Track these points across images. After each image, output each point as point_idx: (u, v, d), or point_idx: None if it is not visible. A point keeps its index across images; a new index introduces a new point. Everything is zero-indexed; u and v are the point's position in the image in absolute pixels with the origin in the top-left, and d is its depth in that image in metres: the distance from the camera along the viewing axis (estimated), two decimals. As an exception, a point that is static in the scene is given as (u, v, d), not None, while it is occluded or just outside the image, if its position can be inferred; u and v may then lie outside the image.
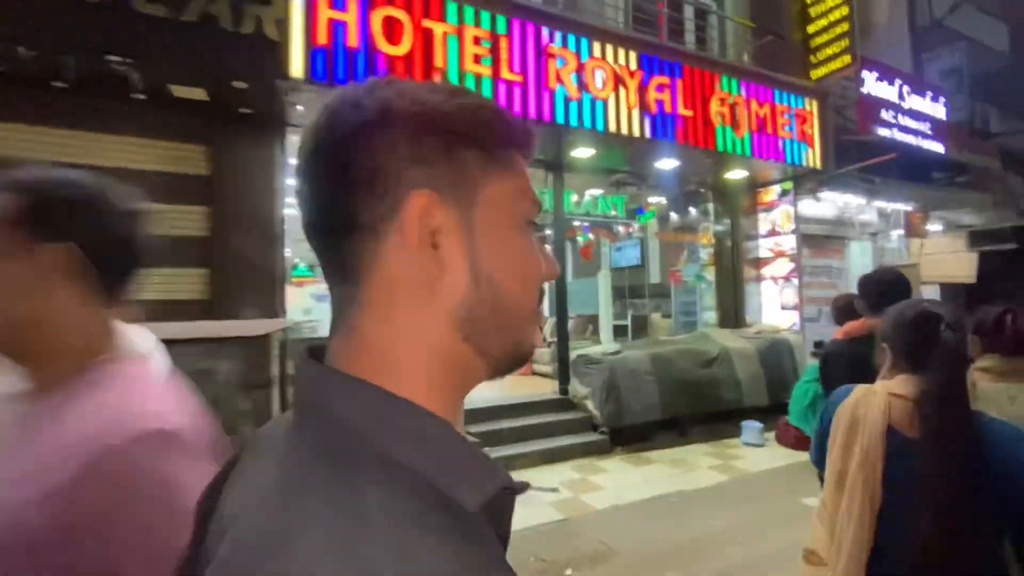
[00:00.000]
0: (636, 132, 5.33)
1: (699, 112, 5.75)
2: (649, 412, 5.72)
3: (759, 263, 7.82)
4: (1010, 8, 10.24)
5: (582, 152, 5.80)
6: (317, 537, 0.28)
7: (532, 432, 5.57)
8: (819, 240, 8.64)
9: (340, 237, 0.38)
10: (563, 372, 6.20)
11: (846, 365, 2.15)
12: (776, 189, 7.51)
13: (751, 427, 5.85)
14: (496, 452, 5.19)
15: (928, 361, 1.15)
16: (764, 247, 7.75)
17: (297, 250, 17.02)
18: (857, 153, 6.88)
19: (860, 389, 1.28)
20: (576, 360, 6.09)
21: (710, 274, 7.91)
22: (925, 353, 1.16)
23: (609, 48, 5.21)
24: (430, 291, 0.38)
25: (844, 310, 2.69)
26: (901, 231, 8.82)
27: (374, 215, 0.37)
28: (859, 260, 9.50)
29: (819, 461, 1.42)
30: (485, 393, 6.06)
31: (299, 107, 4.24)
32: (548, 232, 6.80)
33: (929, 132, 7.59)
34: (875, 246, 9.51)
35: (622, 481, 4.67)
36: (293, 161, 6.04)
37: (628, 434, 5.68)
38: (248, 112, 4.15)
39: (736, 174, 6.95)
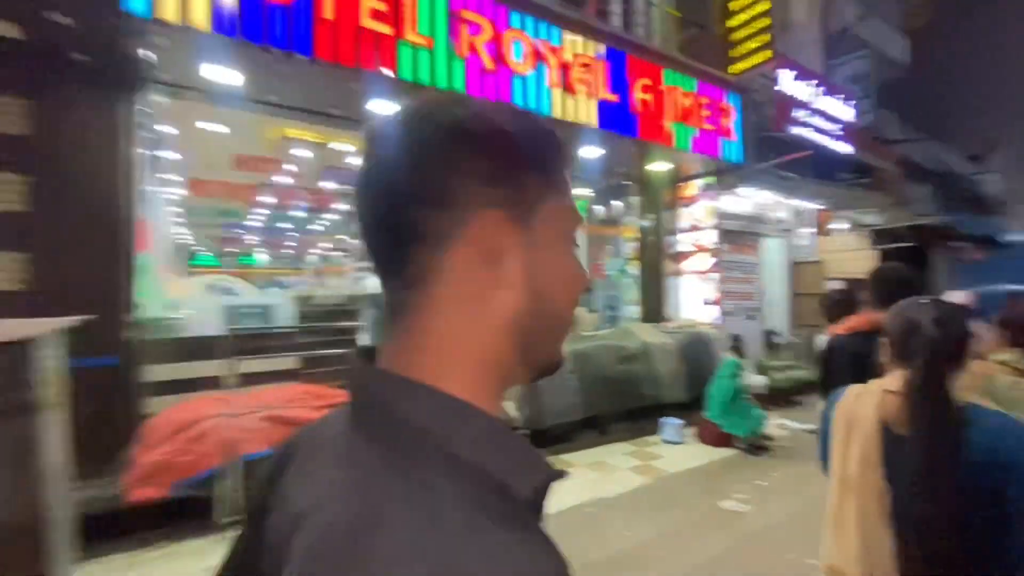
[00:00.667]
0: (557, 113, 4.97)
1: (623, 97, 5.48)
2: (571, 411, 5.44)
3: (680, 257, 7.79)
4: (910, 22, 10.99)
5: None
6: (399, 530, 0.31)
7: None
8: (736, 235, 8.78)
9: (404, 244, 0.40)
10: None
11: (849, 361, 2.08)
12: (698, 184, 7.48)
13: (670, 424, 5.73)
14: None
15: (912, 354, 1.14)
16: (686, 242, 7.73)
17: (200, 236, 15.50)
18: (773, 150, 6.95)
19: (855, 387, 1.28)
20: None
21: (634, 268, 7.79)
22: (911, 346, 1.15)
23: (530, 20, 4.80)
24: (488, 303, 0.40)
25: (840, 304, 2.63)
26: (812, 228, 9.15)
27: (440, 228, 0.39)
28: (773, 256, 9.84)
29: (825, 464, 1.41)
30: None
31: (153, 56, 3.49)
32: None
33: (839, 133, 7.85)
34: (788, 243, 9.87)
35: (537, 489, 4.32)
36: (159, 128, 5.03)
37: (549, 436, 5.36)
38: (83, 60, 3.35)
39: (659, 166, 6.81)
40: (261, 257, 19.67)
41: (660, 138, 5.84)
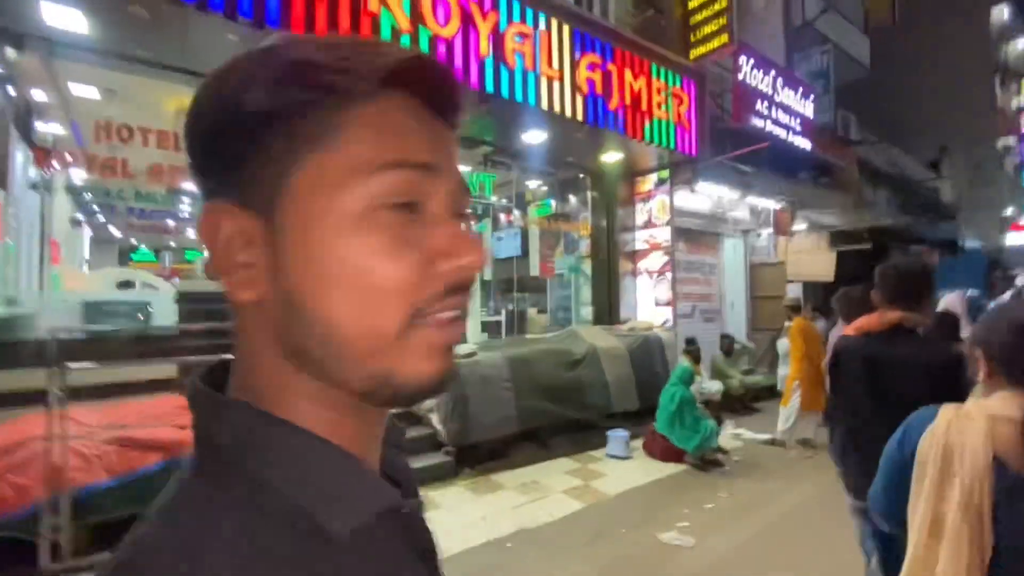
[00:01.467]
0: (489, 86, 4.38)
1: (566, 74, 4.93)
2: (504, 425, 4.85)
3: (635, 256, 7.32)
4: (871, 19, 10.88)
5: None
6: (160, 565, 0.27)
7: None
8: (694, 235, 8.39)
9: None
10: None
11: (861, 364, 1.88)
12: (653, 178, 7.02)
13: (616, 437, 5.21)
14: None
15: None
16: (640, 239, 7.26)
17: (122, 225, 14.23)
18: (731, 144, 6.53)
19: (949, 410, 1.07)
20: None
21: (587, 266, 7.28)
22: None
23: (456, -21, 4.20)
24: (252, 316, 0.33)
25: (859, 303, 2.48)
26: (771, 229, 8.84)
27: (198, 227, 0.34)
28: (732, 257, 9.51)
29: (889, 506, 1.18)
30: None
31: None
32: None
33: (798, 128, 7.52)
34: (746, 243, 9.56)
35: (456, 519, 3.71)
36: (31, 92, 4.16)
37: (479, 452, 4.76)
38: None
39: (611, 157, 6.31)
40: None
41: (609, 124, 5.32)
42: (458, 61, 4.17)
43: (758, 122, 6.71)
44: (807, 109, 7.85)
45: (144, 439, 3.27)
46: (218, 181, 0.33)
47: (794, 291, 9.91)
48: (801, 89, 7.68)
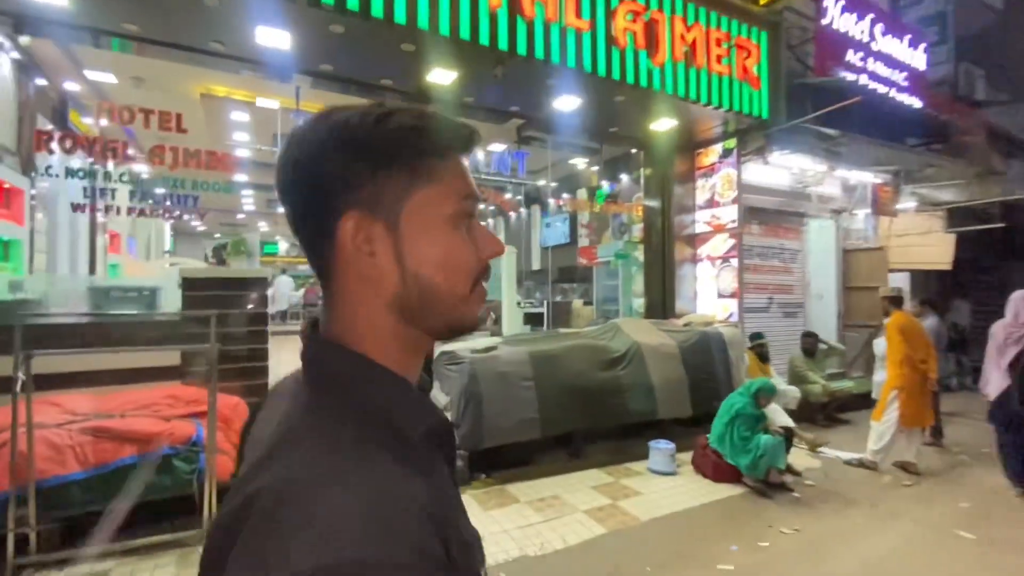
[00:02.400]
0: (503, 43, 3.81)
1: (599, 24, 4.23)
2: (524, 429, 4.29)
3: (695, 240, 6.41)
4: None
5: (440, 76, 4.25)
6: (303, 452, 0.41)
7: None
8: (770, 216, 7.26)
9: (311, 242, 0.51)
10: (421, 373, 4.72)
11: None
12: (717, 149, 6.08)
13: (660, 449, 4.47)
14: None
15: None
16: (701, 220, 6.35)
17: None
18: (812, 104, 5.45)
19: None
20: (439, 359, 4.62)
21: (640, 253, 6.49)
22: None
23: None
24: (371, 287, 0.50)
25: None
26: (867, 209, 7.48)
27: (324, 229, 0.49)
28: (819, 241, 8.20)
29: None
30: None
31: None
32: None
33: (904, 84, 6.19)
34: (838, 225, 8.20)
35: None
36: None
37: (498, 458, 4.25)
38: None
39: (663, 125, 5.48)
40: (280, 244, 19.41)
41: (654, 83, 4.54)
42: (463, 13, 3.64)
43: (849, 76, 5.55)
44: (916, 61, 6.47)
45: (121, 430, 3.10)
46: (352, 192, 0.48)
47: (899, 281, 8.42)
48: (908, 37, 6.32)
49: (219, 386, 4.06)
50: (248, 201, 11.98)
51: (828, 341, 7.01)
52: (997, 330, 4.23)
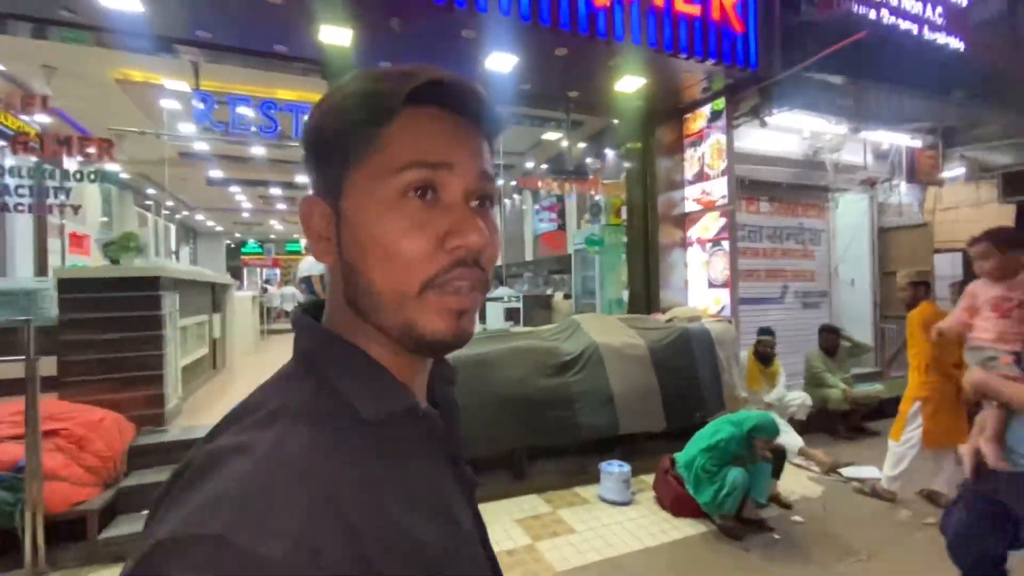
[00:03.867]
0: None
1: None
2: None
3: (685, 221, 5.51)
4: None
5: (333, 35, 3.62)
6: (244, 422, 0.39)
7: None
8: (783, 191, 6.23)
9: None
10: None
11: None
12: (705, 112, 5.15)
13: (611, 473, 3.70)
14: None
15: None
16: (691, 197, 5.43)
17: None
18: (820, 49, 4.43)
19: None
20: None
21: (616, 238, 5.66)
22: None
23: None
24: (335, 274, 0.46)
25: None
26: (902, 179, 6.29)
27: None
28: (850, 219, 7.05)
29: None
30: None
31: None
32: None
33: (939, 21, 5.04)
34: (872, 199, 7.01)
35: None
36: None
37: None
38: None
39: (629, 84, 4.62)
40: (302, 242, 19.50)
41: (598, 28, 3.74)
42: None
43: (861, 8, 4.49)
44: (959, -8, 5.28)
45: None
46: (311, 180, 0.47)
47: (947, 265, 7.13)
48: (946, -39, 5.15)
49: (99, 399, 3.64)
50: (243, 199, 11.83)
51: (852, 337, 5.94)
52: None
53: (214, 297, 6.01)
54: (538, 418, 3.92)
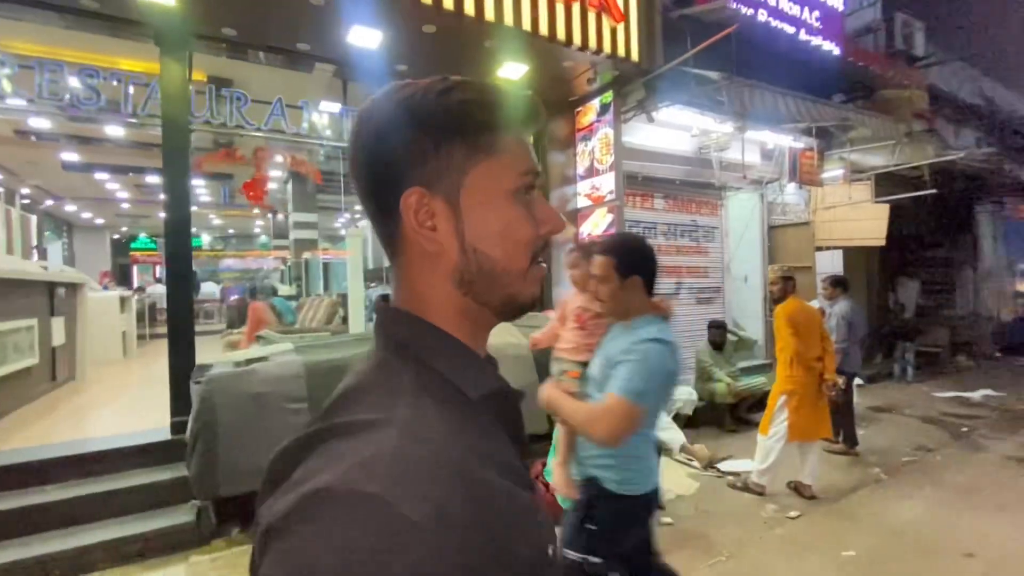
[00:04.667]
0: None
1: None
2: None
3: (578, 217, 5.39)
4: None
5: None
6: (370, 395, 0.44)
7: (105, 506, 3.14)
8: (677, 188, 6.29)
9: (377, 217, 0.52)
10: (176, 393, 3.63)
11: None
12: (595, 105, 5.04)
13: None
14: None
15: None
16: (582, 193, 5.32)
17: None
18: (698, 44, 4.41)
19: None
20: (194, 374, 3.53)
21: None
22: None
23: None
24: (434, 261, 0.50)
25: None
26: (785, 179, 6.53)
27: (389, 204, 0.49)
28: (742, 216, 7.28)
29: None
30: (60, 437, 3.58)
31: None
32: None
33: (817, 26, 5.20)
34: (763, 198, 7.27)
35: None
36: None
37: (234, 509, 3.19)
38: None
39: (511, 71, 4.40)
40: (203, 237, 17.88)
41: (462, 5, 3.46)
42: None
43: (742, 7, 4.52)
44: (834, 0, 5.48)
45: None
46: (408, 171, 0.48)
47: (830, 261, 7.55)
48: (821, -32, 5.34)
49: None
50: (116, 187, 10.60)
51: (738, 330, 6.09)
52: None
53: (53, 299, 5.21)
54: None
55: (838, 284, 4.74)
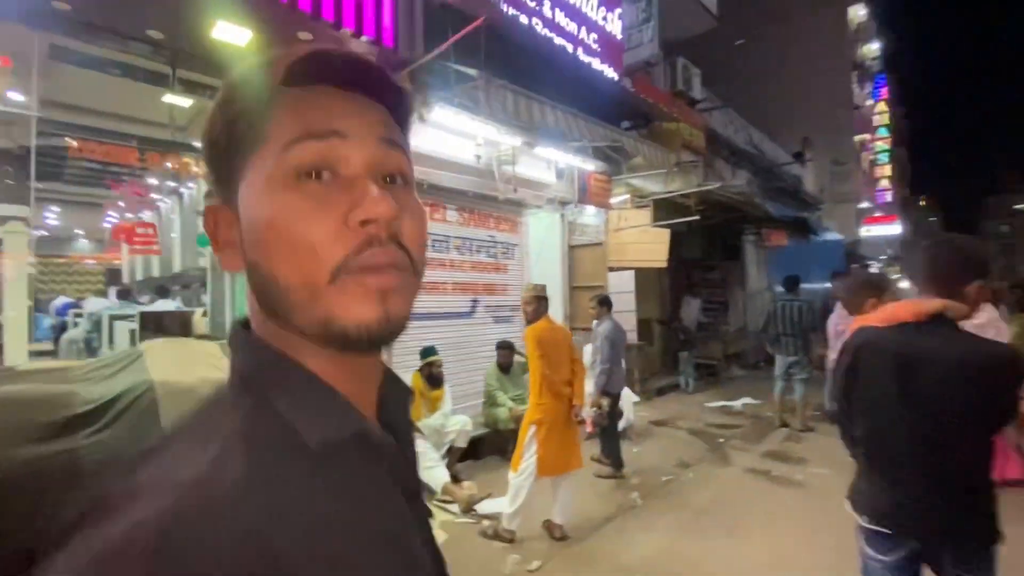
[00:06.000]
0: None
1: None
2: None
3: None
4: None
5: None
6: (167, 453, 0.35)
7: None
8: (472, 200, 5.92)
9: None
10: None
11: (892, 363, 1.52)
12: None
13: None
14: None
15: None
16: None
17: None
18: (464, 41, 4.00)
19: None
20: None
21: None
22: None
23: None
24: (246, 282, 0.42)
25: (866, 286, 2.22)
26: (574, 202, 6.59)
27: None
28: (543, 235, 7.23)
29: None
30: None
31: None
32: None
33: (595, 48, 5.21)
34: (564, 218, 7.31)
35: None
36: None
37: None
38: None
39: (228, 33, 3.52)
40: None
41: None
42: None
43: (508, 9, 4.25)
44: (612, 26, 5.59)
45: None
46: (212, 186, 0.43)
47: (625, 281, 7.86)
48: (599, -8, 5.40)
49: None
50: None
51: (522, 352, 5.87)
52: (830, 323, 4.18)
53: None
54: (12, 499, 2.46)
55: (604, 303, 4.67)
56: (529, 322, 3.52)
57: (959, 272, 1.48)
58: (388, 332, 0.39)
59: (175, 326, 5.12)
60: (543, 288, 3.68)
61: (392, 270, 0.39)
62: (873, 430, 1.60)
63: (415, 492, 0.45)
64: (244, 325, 0.44)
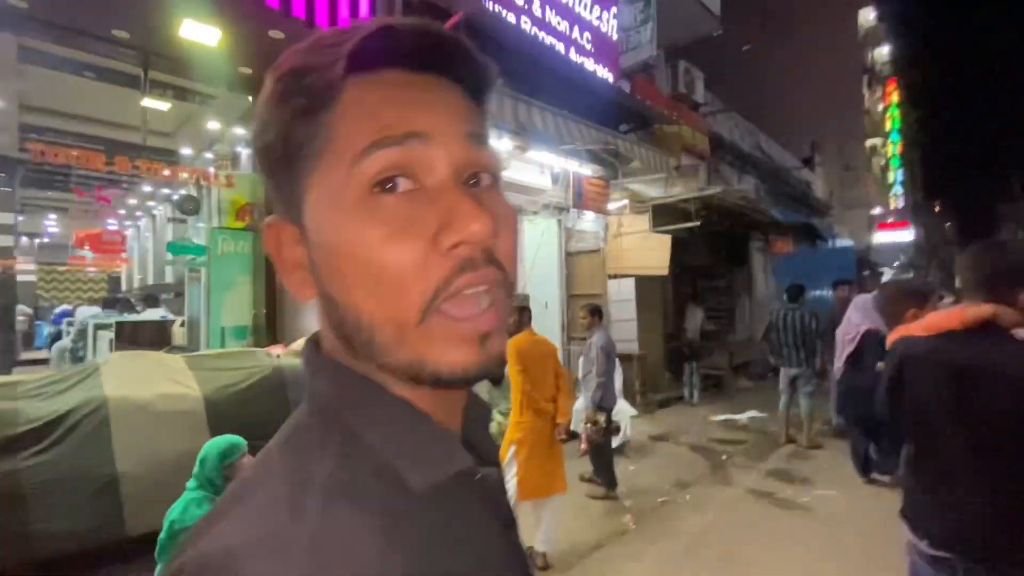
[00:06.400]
0: None
1: None
2: None
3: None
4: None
5: None
6: (251, 507, 0.30)
7: None
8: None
9: None
10: None
11: (939, 373, 1.40)
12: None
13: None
14: None
15: None
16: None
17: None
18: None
19: None
20: None
21: (240, 245, 4.33)
22: None
23: None
24: (320, 308, 0.37)
25: (906, 296, 1.93)
26: (580, 206, 6.38)
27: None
28: (540, 243, 7.04)
29: None
30: None
31: None
32: None
33: (588, 48, 5.03)
34: (561, 224, 7.11)
35: None
36: None
37: None
38: None
39: (198, 32, 3.38)
40: None
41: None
42: None
43: (493, 6, 4.08)
44: (607, 26, 5.41)
45: None
46: (273, 200, 0.38)
47: (627, 288, 7.61)
48: (593, -9, 5.23)
49: None
50: None
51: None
52: (839, 334, 4.15)
53: None
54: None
55: (595, 313, 4.44)
56: (510, 334, 3.30)
57: (1010, 277, 1.38)
58: (487, 372, 0.35)
59: (151, 336, 4.98)
60: (526, 298, 3.48)
61: (493, 302, 0.34)
62: (923, 447, 1.50)
63: (511, 521, 0.41)
64: (316, 342, 0.39)
